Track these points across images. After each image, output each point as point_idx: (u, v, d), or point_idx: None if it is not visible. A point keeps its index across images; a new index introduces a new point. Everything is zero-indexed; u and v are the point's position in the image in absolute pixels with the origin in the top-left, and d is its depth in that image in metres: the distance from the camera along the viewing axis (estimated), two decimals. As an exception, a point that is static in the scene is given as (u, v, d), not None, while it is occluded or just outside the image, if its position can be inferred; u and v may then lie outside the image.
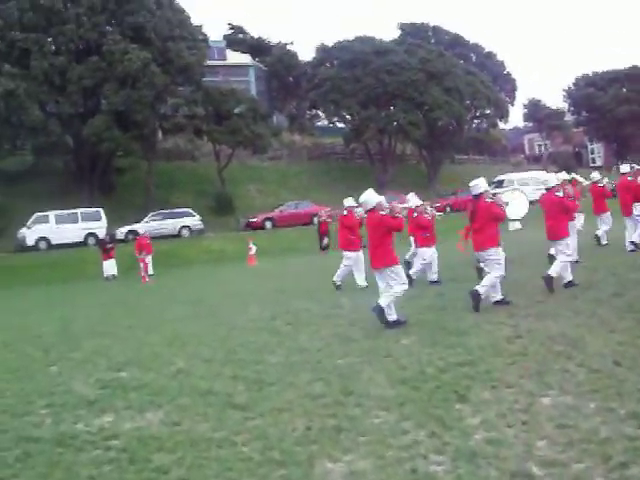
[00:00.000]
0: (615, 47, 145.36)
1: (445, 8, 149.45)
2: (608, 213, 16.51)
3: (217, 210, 41.81)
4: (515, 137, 80.00)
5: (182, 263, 30.47)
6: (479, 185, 10.30)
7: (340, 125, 54.53)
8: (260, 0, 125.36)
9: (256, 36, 64.48)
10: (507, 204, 11.60)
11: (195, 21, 41.44)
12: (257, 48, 60.85)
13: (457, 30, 66.52)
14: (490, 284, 10.06)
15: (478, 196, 10.32)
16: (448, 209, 33.25)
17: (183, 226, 36.75)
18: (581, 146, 74.42)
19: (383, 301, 9.47)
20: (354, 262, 14.49)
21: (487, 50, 65.64)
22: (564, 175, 15.19)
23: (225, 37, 60.94)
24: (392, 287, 9.53)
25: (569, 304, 9.66)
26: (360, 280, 14.39)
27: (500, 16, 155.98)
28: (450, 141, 53.77)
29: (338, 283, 14.60)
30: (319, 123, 60.32)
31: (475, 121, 58.48)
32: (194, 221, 37.23)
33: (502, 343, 7.68)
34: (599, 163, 69.81)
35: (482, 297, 9.96)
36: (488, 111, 55.63)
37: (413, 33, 58.79)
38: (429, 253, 13.66)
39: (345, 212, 14.96)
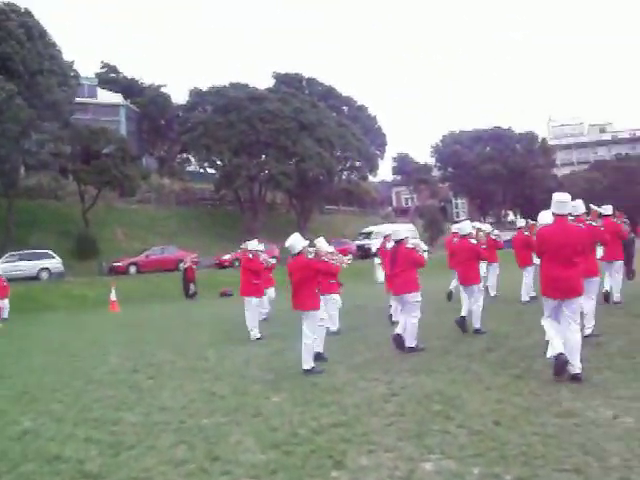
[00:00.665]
0: (480, 107, 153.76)
1: (318, 61, 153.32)
2: (496, 264, 17.12)
3: (80, 253, 39.76)
4: (384, 190, 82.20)
5: (40, 308, 28.55)
6: (400, 232, 10.85)
7: (211, 171, 53.95)
8: (134, 41, 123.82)
9: (129, 76, 63.08)
10: (425, 251, 12.07)
11: (67, 56, 39.88)
12: (129, 88, 59.45)
13: (330, 82, 67.39)
14: (412, 330, 10.40)
15: (399, 242, 10.75)
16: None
17: (42, 268, 34.63)
18: (446, 200, 77.47)
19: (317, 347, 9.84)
20: (254, 307, 13.78)
21: (359, 104, 67.29)
22: (479, 224, 15.93)
23: (97, 75, 59.19)
24: (316, 332, 9.71)
25: (442, 359, 9.53)
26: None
27: (372, 72, 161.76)
28: (320, 191, 54.31)
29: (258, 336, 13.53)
30: (190, 168, 59.39)
31: (345, 172, 59.48)
32: (54, 263, 35.10)
33: (378, 402, 7.34)
34: (463, 217, 72.83)
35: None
36: (358, 163, 56.76)
37: (287, 83, 59.39)
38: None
39: (250, 255, 14.21)
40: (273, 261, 16.22)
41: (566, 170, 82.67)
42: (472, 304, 11.69)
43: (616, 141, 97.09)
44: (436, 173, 73.24)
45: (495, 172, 64.29)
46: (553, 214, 8.08)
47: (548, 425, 5.88)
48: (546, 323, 8.01)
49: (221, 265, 38.96)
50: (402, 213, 73.41)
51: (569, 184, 70.22)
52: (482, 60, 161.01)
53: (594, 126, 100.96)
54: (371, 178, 65.25)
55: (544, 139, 74.90)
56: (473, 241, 12.02)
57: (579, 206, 10.39)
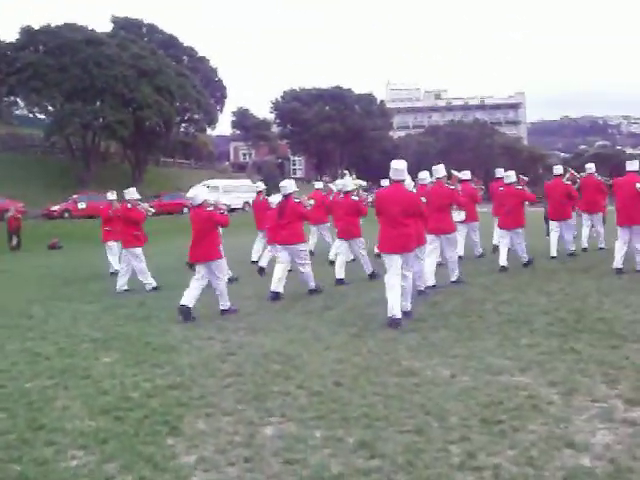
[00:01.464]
0: (323, 66, 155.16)
1: (159, 7, 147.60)
2: None
3: None
4: (222, 144, 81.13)
5: None
6: (287, 186, 11.25)
7: (41, 116, 50.58)
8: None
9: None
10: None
11: None
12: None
13: (171, 31, 64.93)
14: (308, 278, 11.31)
15: (287, 196, 11.22)
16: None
17: None
18: (284, 158, 77.72)
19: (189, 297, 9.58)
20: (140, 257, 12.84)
21: (200, 55, 65.44)
22: (359, 181, 16.02)
23: None
24: (219, 278, 9.91)
25: (279, 317, 9.38)
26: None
27: (215, 23, 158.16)
28: (157, 142, 52.62)
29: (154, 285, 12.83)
30: (18, 112, 55.41)
31: (183, 125, 57.95)
32: None
33: (215, 362, 7.05)
34: (300, 175, 73.51)
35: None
36: (197, 116, 55.44)
37: (126, 28, 56.47)
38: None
39: (129, 205, 13.21)
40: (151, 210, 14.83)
41: (402, 133, 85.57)
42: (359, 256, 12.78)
43: (450, 108, 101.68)
44: (275, 130, 73.15)
45: (333, 131, 65.16)
46: (390, 179, 8.86)
47: (389, 385, 5.85)
48: (389, 281, 8.52)
49: (50, 216, 36.82)
50: (239, 168, 72.83)
51: (404, 146, 72.88)
52: (327, 20, 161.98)
53: (430, 92, 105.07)
54: (209, 131, 64.14)
55: (382, 101, 76.75)
56: (355, 197, 12.80)
57: (440, 169, 11.40)
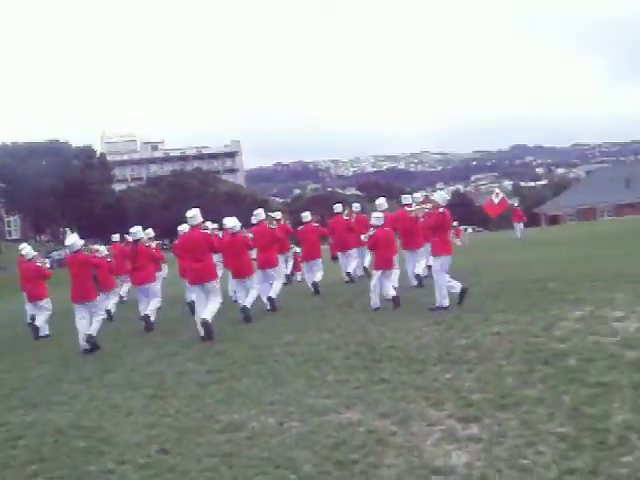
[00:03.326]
0: (35, 119, 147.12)
1: None
2: None
3: None
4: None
5: None
6: (136, 232, 13.18)
7: None
8: None
9: None
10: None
11: None
12: None
13: None
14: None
15: (137, 241, 13.20)
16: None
17: None
18: (-1, 218, 71.87)
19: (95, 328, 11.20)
20: None
21: None
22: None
23: None
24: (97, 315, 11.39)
25: (56, 388, 8.52)
26: None
27: None
28: None
29: None
30: None
31: None
32: None
33: (4, 449, 6.12)
34: (15, 236, 68.42)
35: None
36: None
37: None
38: None
39: None
40: None
41: (122, 185, 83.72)
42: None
43: (167, 159, 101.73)
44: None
45: (51, 187, 61.71)
46: (188, 225, 11.49)
47: (219, 443, 5.50)
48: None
49: None
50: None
51: (127, 199, 71.22)
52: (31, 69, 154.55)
53: (147, 144, 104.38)
54: None
55: (103, 154, 74.55)
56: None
57: (259, 213, 13.92)
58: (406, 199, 14.97)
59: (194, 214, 11.06)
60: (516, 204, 33.46)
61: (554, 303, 10.33)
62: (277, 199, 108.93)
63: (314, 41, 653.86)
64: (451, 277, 11.04)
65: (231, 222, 12.67)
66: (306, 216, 16.01)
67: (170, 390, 7.59)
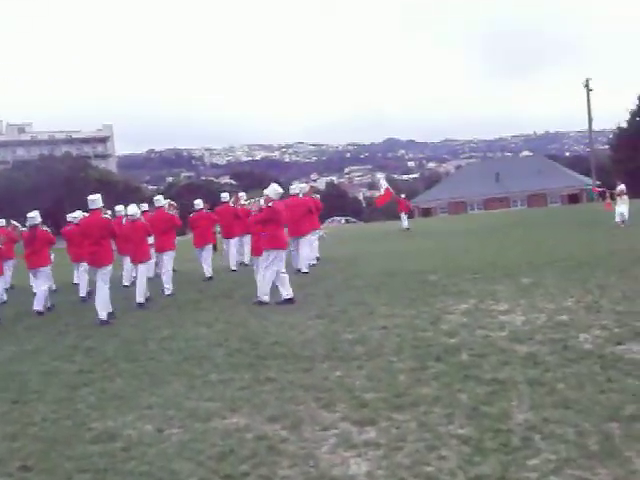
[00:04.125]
0: None
1: None
2: None
3: None
4: None
5: None
6: (35, 217, 12.78)
7: None
8: None
9: None
10: None
11: None
12: None
13: None
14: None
15: (34, 226, 12.93)
16: None
17: None
18: None
19: None
20: None
21: None
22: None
23: None
24: None
25: None
26: None
27: None
28: None
29: None
30: None
31: None
32: None
33: None
34: None
35: None
36: None
37: None
38: None
39: None
40: None
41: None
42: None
43: (36, 142, 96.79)
44: None
45: None
46: (90, 208, 11.24)
47: (91, 456, 4.83)
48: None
49: None
50: None
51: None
52: None
53: (13, 126, 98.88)
54: None
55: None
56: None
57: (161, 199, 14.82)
58: (294, 189, 15.55)
59: (95, 198, 11.19)
60: (402, 195, 34.14)
61: (437, 296, 10.30)
62: (149, 187, 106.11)
63: (190, 27, 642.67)
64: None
65: (132, 209, 12.64)
66: (198, 204, 16.28)
67: (35, 394, 6.84)
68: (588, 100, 59.84)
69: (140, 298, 12.21)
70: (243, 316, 10.09)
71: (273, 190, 11.35)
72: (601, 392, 5.11)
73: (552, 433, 4.40)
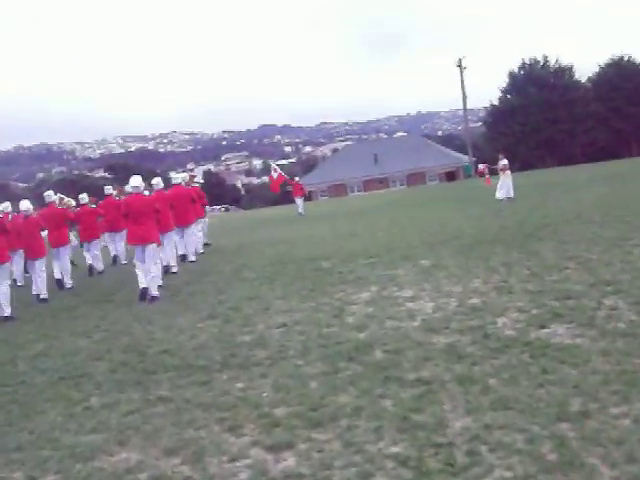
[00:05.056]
0: None
1: None
2: None
3: None
4: None
5: None
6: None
7: None
8: None
9: None
10: None
11: None
12: None
13: None
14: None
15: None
16: None
17: None
18: None
19: None
20: None
21: None
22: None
23: None
24: None
25: None
26: None
27: None
28: None
29: None
30: None
31: None
32: None
33: None
34: None
35: None
36: None
37: None
38: None
39: None
40: None
41: None
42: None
43: None
44: None
45: None
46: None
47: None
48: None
49: None
50: None
51: None
52: None
53: None
54: None
55: None
56: None
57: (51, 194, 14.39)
58: (176, 179, 15.92)
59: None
60: (297, 178, 33.70)
61: (335, 285, 9.69)
62: (19, 184, 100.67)
63: (49, 13, 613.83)
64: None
65: (25, 205, 12.51)
66: (83, 198, 16.23)
67: None
68: (462, 79, 60.95)
69: (45, 293, 12.37)
70: (127, 322, 9.09)
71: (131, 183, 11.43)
72: (539, 386, 4.58)
73: (500, 443, 3.81)
